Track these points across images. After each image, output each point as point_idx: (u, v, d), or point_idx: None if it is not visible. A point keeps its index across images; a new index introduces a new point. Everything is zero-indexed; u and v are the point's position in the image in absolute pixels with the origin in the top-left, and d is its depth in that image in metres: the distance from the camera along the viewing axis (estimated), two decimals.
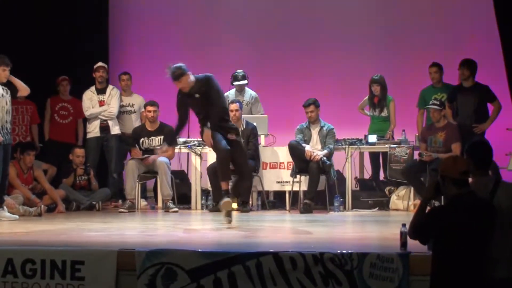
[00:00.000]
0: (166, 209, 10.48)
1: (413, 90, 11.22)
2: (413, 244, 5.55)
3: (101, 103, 11.20)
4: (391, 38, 12.67)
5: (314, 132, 10.61)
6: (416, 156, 10.39)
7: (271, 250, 6.06)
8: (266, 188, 10.83)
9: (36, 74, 11.22)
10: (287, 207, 10.69)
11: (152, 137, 10.79)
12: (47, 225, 8.62)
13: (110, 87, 11.32)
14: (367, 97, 11.26)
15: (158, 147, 10.61)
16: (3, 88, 9.07)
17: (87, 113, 11.19)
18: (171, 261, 6.04)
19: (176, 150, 10.96)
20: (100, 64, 11.38)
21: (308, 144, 10.49)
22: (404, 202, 10.55)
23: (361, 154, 11.29)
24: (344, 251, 5.93)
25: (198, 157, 10.89)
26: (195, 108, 8.41)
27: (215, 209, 9.80)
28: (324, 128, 10.57)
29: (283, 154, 10.77)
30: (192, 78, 8.24)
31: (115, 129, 11.20)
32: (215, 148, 8.41)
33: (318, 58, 12.72)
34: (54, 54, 11.99)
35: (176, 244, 6.92)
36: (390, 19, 12.70)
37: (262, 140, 11.17)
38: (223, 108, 8.56)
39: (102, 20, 12.72)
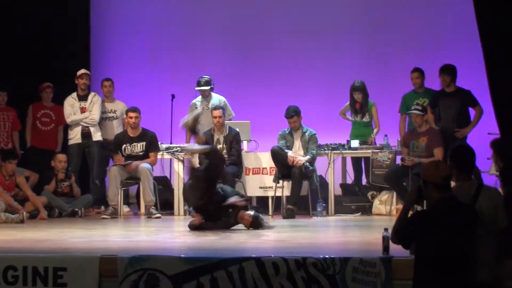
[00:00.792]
0: (148, 215, 10.44)
1: (396, 95, 11.22)
2: (396, 249, 5.55)
3: (83, 110, 11.13)
4: (373, 44, 12.70)
5: (297, 137, 10.60)
6: (398, 161, 10.41)
7: (253, 255, 6.07)
8: (249, 194, 10.81)
9: (17, 80, 11.17)
10: (270, 213, 10.69)
11: (134, 143, 10.75)
12: (29, 232, 8.58)
13: (92, 93, 11.26)
14: (348, 103, 11.26)
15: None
16: None
17: (68, 120, 11.14)
18: (153, 267, 6.04)
19: (159, 156, 10.95)
20: (83, 71, 11.29)
21: (290, 149, 10.48)
22: (386, 206, 10.56)
23: (344, 159, 11.30)
24: (327, 256, 5.95)
25: (181, 163, 10.87)
26: None
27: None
28: (307, 134, 10.56)
29: (266, 160, 10.77)
30: None
31: (97, 136, 11.14)
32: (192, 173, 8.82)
33: (300, 64, 12.74)
34: (35, 60, 11.94)
35: (158, 250, 6.91)
36: (373, 24, 12.72)
37: (245, 145, 11.16)
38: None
39: (83, 26, 12.67)
